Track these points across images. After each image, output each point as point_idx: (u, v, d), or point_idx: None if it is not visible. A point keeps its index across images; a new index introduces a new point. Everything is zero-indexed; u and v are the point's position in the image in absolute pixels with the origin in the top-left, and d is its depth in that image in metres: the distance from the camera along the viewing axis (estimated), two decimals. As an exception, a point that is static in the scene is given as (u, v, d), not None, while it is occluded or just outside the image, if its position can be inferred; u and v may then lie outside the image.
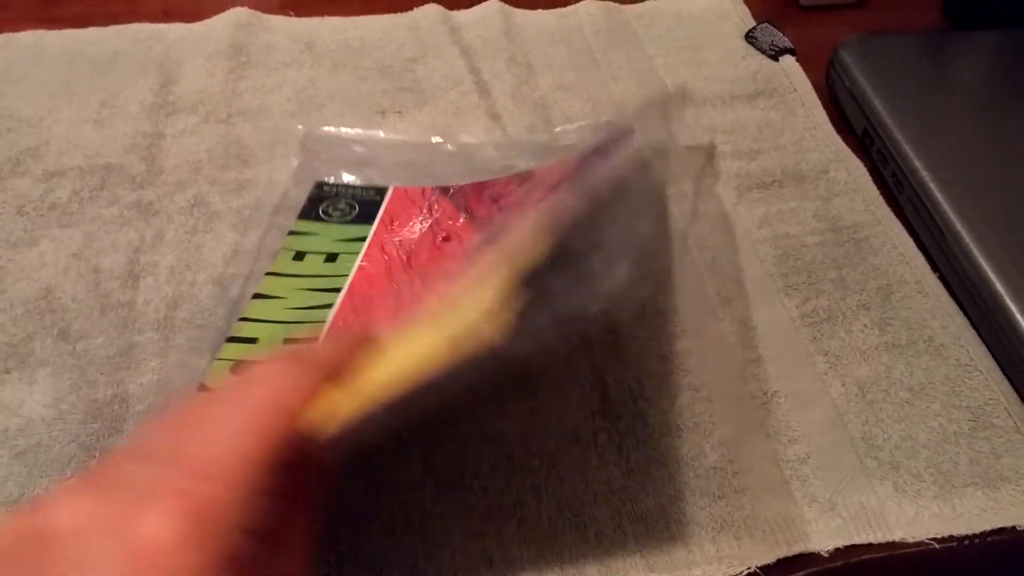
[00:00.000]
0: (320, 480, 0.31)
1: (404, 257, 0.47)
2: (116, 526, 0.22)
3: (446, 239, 0.48)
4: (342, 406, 0.28)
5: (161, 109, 0.59)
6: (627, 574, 0.38)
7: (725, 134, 0.57)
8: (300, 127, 0.57)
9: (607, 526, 0.39)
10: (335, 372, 0.29)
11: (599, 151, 0.46)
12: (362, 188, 0.52)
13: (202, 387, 0.41)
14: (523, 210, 0.46)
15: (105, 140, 0.56)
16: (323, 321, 0.44)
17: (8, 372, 0.44)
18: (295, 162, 0.54)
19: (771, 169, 0.55)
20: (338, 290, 0.45)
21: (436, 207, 0.50)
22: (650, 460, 0.41)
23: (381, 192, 0.52)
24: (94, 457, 0.41)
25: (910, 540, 0.39)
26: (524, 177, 0.51)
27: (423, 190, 0.52)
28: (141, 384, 0.44)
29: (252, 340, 0.43)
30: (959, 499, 0.40)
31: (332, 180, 0.53)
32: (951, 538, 0.39)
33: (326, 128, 0.57)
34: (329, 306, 0.44)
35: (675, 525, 0.39)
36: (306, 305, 0.45)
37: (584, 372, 0.44)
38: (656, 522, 0.39)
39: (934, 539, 0.39)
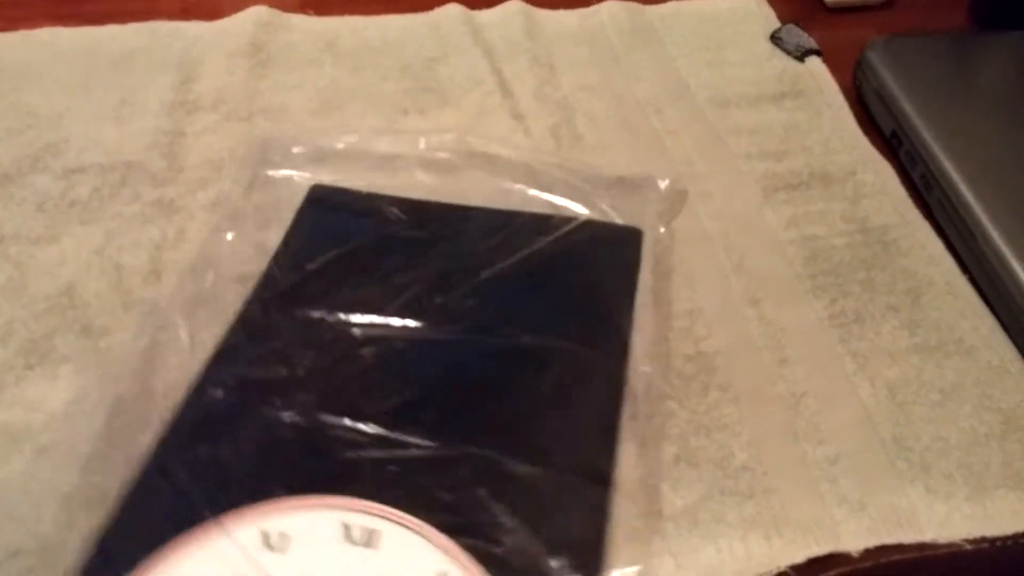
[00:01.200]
0: None
1: None
2: None
3: None
4: None
5: (181, 107, 0.58)
6: (656, 573, 0.37)
7: (751, 135, 0.57)
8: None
9: (635, 525, 0.39)
10: None
11: None
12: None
13: None
14: None
15: (125, 137, 0.56)
16: None
17: (31, 368, 0.44)
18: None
19: (798, 170, 0.55)
20: None
21: None
22: (678, 460, 0.41)
23: None
24: (118, 453, 0.41)
25: (941, 541, 0.39)
26: None
27: None
28: (165, 380, 0.43)
29: None
30: (991, 500, 0.40)
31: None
32: (983, 539, 0.39)
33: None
34: None
35: (704, 524, 0.39)
36: None
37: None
38: (685, 521, 0.39)
39: (966, 540, 0.39)
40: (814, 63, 0.64)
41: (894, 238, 0.51)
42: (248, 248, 0.49)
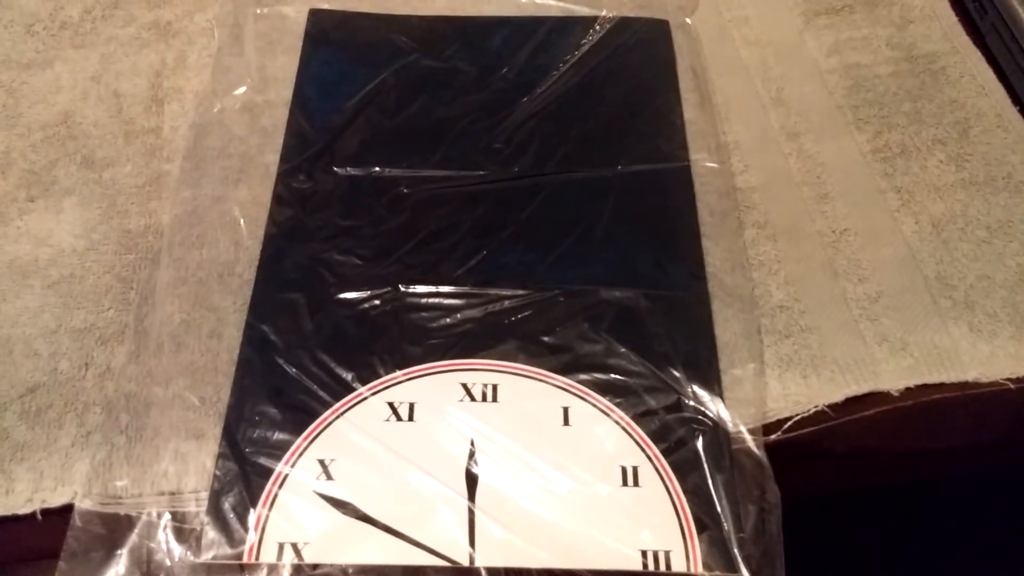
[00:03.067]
0: None
1: None
2: None
3: None
4: None
5: (172, -79, 0.54)
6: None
7: (791, -47, 0.52)
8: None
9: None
10: None
11: None
12: None
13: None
14: None
15: (115, -46, 0.51)
16: None
17: (32, 200, 0.42)
18: None
19: (842, -8, 0.51)
20: None
21: None
22: (714, 297, 0.40)
23: None
24: (131, 289, 0.39)
25: (984, 380, 0.38)
26: None
27: None
28: (176, 215, 0.41)
29: None
30: (1036, 340, 0.39)
31: None
32: (1027, 378, 0.38)
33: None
34: None
35: (739, 363, 0.38)
36: None
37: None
38: (723, 359, 0.38)
39: (1009, 379, 0.38)
40: None
41: (942, 67, 0.48)
42: (254, 75, 0.46)
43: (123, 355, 0.37)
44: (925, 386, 0.38)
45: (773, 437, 0.36)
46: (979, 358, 0.38)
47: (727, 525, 0.33)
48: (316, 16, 0.49)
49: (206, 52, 0.48)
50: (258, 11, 0.49)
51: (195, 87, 0.46)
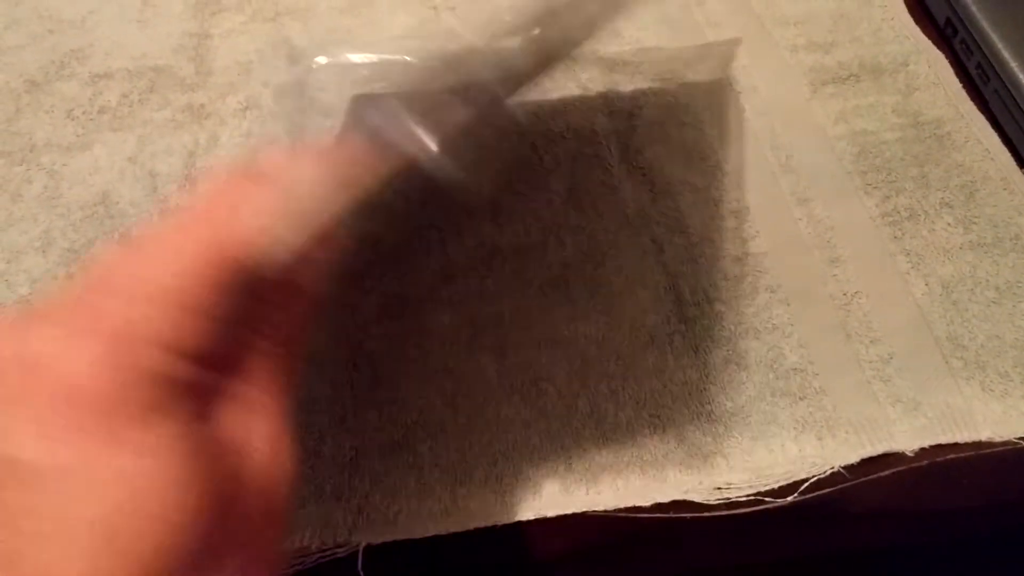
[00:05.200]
0: (298, 307, 0.28)
1: None
2: (30, 361, 0.21)
3: None
4: (295, 218, 0.25)
5: (205, 8, 0.56)
6: (709, 475, 0.37)
7: (797, 25, 0.54)
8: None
9: (687, 428, 0.39)
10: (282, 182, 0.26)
11: None
12: None
13: None
14: None
15: (150, 41, 0.54)
16: None
17: (71, 277, 0.44)
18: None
19: (847, 62, 0.52)
20: None
21: None
22: (728, 362, 0.41)
23: None
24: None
25: (997, 439, 0.38)
26: None
27: None
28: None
29: None
30: (1048, 399, 0.39)
31: None
32: (1040, 437, 0.38)
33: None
34: None
35: (756, 426, 0.39)
36: None
37: (657, 275, 0.43)
38: (736, 423, 0.39)
39: (1022, 438, 0.38)
40: (863, -52, 0.60)
41: (948, 132, 0.49)
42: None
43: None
44: (939, 446, 0.38)
45: (790, 499, 0.37)
46: (992, 417, 0.39)
47: None
48: (356, 102, 0.51)
49: (237, 132, 0.50)
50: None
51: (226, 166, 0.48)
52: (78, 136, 0.50)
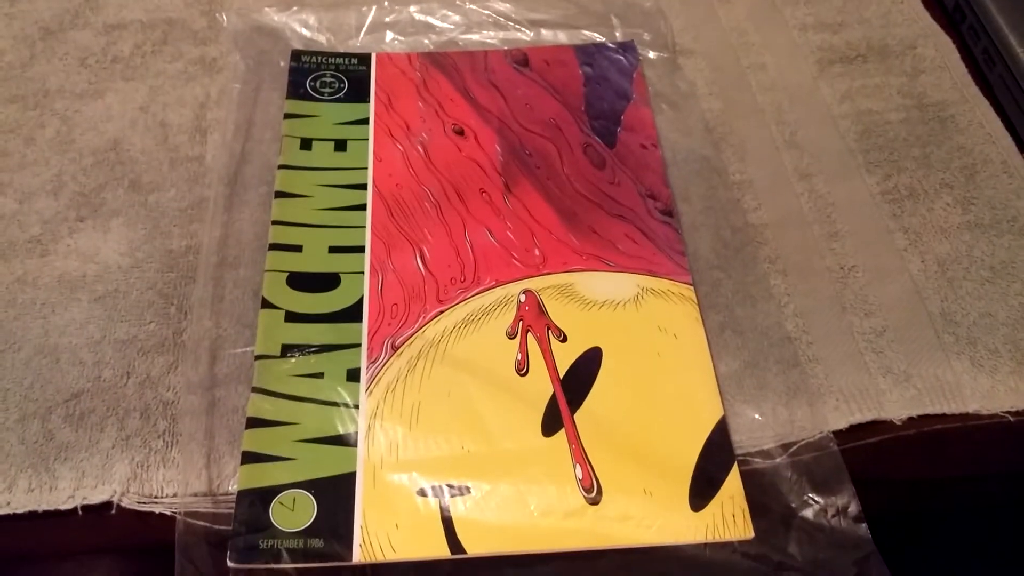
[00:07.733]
0: None
1: (421, 150, 0.47)
2: None
3: (459, 132, 0.47)
4: None
5: (220, -37, 0.57)
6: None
7: (807, 4, 0.55)
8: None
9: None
10: None
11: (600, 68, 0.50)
12: (342, 56, 0.51)
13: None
14: (530, 106, 0.48)
15: (165, -6, 0.55)
16: (363, 225, 0.43)
17: (82, 220, 0.44)
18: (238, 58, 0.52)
19: (855, 43, 0.53)
20: (363, 186, 0.45)
21: (430, 81, 0.50)
22: (724, 327, 0.41)
23: (364, 61, 0.51)
24: (171, 304, 0.41)
25: (984, 412, 0.39)
26: (516, 56, 0.51)
27: (408, 57, 0.51)
28: (214, 237, 0.43)
29: (297, 248, 0.42)
30: (1036, 376, 0.40)
31: (306, 47, 0.52)
32: (1026, 412, 0.39)
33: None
34: (362, 207, 0.44)
35: (748, 390, 0.39)
36: (336, 206, 0.44)
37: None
38: (731, 386, 0.39)
39: (1009, 412, 0.39)
40: (876, -69, 0.61)
41: (952, 115, 0.49)
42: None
43: (162, 365, 0.39)
44: (927, 416, 0.39)
45: (778, 460, 0.37)
46: (980, 391, 0.39)
47: None
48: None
49: (248, 87, 0.50)
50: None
51: (236, 119, 0.49)
52: (91, 84, 0.50)
